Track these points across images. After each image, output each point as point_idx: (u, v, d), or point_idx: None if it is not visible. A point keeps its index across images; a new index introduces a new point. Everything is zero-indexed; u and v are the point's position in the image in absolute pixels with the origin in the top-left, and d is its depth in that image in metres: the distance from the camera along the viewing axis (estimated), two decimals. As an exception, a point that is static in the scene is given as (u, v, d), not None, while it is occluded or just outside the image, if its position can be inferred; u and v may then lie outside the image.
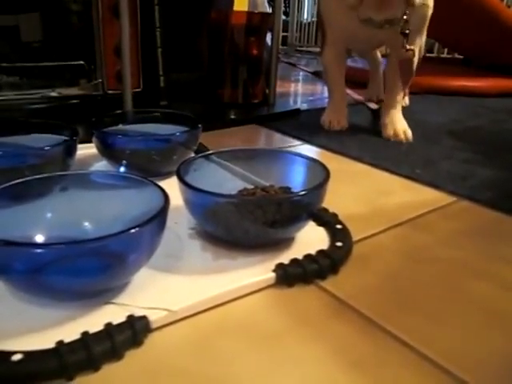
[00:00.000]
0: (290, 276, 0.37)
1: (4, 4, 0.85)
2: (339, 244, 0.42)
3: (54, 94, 0.84)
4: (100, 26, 0.80)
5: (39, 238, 0.37)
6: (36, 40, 0.89)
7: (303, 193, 0.40)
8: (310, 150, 0.76)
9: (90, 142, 0.56)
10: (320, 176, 0.42)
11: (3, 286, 0.33)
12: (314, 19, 2.63)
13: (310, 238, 0.43)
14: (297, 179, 0.47)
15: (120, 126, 0.61)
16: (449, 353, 0.31)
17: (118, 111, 0.67)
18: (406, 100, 1.13)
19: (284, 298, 0.36)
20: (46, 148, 0.48)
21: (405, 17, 0.71)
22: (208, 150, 0.58)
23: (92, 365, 0.28)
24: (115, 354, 0.29)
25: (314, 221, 0.46)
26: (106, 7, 0.80)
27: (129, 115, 0.67)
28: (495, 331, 0.34)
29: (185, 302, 0.33)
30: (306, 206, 0.41)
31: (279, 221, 0.39)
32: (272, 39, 1.04)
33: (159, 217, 0.33)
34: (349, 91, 1.10)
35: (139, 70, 0.87)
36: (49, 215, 0.38)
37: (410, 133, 0.82)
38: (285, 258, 0.39)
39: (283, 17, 2.31)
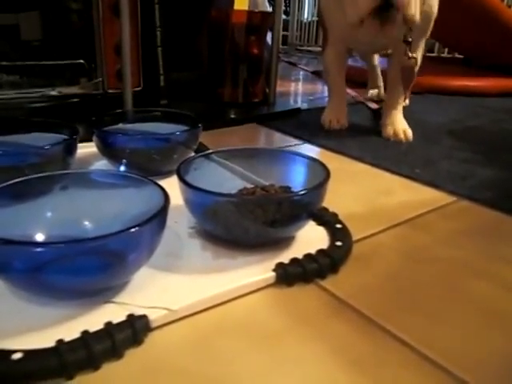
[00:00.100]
0: (290, 275, 0.37)
1: (4, 3, 0.85)
2: (339, 243, 0.42)
3: (54, 92, 0.84)
4: (100, 24, 0.80)
5: (39, 237, 0.37)
6: (36, 39, 0.89)
7: (303, 192, 0.40)
8: (310, 150, 0.76)
9: (90, 140, 0.56)
10: (320, 175, 0.42)
11: (3, 284, 0.32)
12: (315, 18, 2.63)
13: (310, 238, 0.43)
14: (297, 179, 0.47)
15: (120, 125, 0.61)
16: (449, 353, 0.31)
17: (118, 110, 0.67)
18: (407, 100, 1.13)
19: (284, 298, 0.36)
20: (47, 147, 0.48)
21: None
22: (208, 150, 0.58)
23: (92, 364, 0.28)
24: (115, 353, 0.29)
25: (314, 220, 0.46)
26: (106, 6, 0.80)
27: (129, 114, 0.67)
28: (495, 331, 0.34)
29: (185, 301, 0.33)
30: (306, 206, 0.41)
31: (279, 220, 0.39)
32: (272, 38, 1.04)
33: (159, 216, 0.33)
34: (349, 91, 1.10)
35: (139, 68, 0.87)
36: (49, 214, 0.38)
37: (409, 132, 0.82)
38: (285, 257, 0.39)
39: (283, 16, 2.31)
